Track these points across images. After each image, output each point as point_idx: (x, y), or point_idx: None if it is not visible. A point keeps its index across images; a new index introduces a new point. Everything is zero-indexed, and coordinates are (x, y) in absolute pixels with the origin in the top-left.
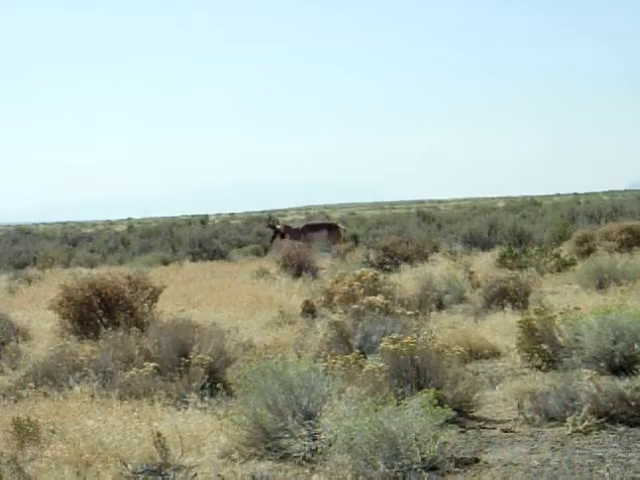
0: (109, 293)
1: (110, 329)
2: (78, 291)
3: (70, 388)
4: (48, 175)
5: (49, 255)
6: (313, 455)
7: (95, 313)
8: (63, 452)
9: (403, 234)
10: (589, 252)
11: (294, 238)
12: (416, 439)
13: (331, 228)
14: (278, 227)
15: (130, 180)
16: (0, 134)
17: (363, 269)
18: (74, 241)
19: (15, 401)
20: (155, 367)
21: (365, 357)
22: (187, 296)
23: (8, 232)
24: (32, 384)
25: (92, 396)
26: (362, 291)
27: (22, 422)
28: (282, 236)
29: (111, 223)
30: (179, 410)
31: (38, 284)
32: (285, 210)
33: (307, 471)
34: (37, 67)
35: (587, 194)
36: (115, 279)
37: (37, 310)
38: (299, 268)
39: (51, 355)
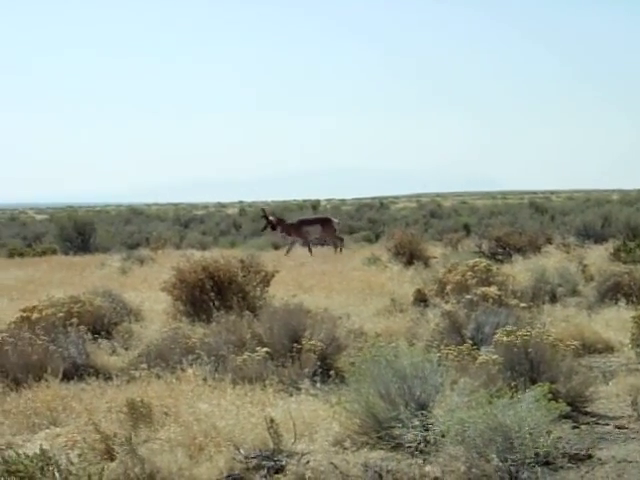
0: (222, 276)
1: (222, 312)
2: (191, 273)
3: (183, 370)
4: (160, 156)
5: (161, 236)
6: (425, 446)
7: (207, 296)
8: (176, 435)
9: (515, 225)
10: None
11: (285, 231)
12: (530, 433)
13: (324, 222)
14: (270, 218)
15: (242, 162)
16: (117, 117)
17: (476, 259)
18: (186, 223)
19: (128, 382)
20: (267, 352)
21: (478, 348)
22: (298, 281)
23: (121, 212)
24: (145, 365)
25: (205, 379)
26: (475, 281)
27: (136, 403)
28: (273, 228)
29: (222, 205)
30: (291, 396)
31: (150, 265)
32: (396, 197)
33: (420, 462)
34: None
35: None
36: (228, 262)
37: (149, 291)
38: (411, 256)
39: (164, 337)
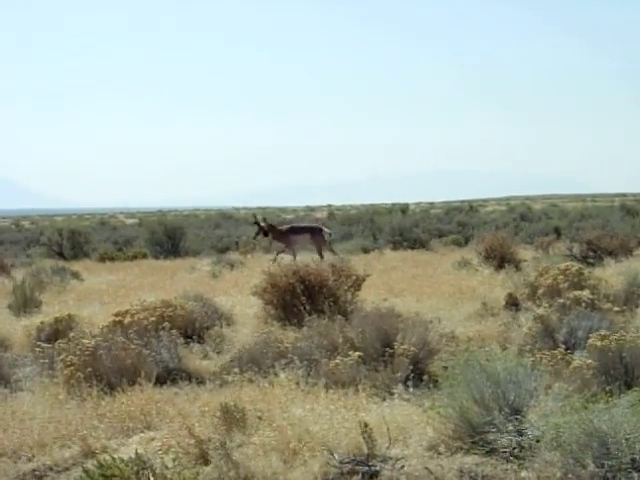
0: (313, 280)
1: (313, 316)
2: (282, 278)
3: (275, 375)
4: (248, 161)
5: (250, 240)
6: (520, 451)
7: (298, 300)
8: (270, 439)
9: (606, 228)
10: None
11: (276, 238)
12: (626, 439)
13: (314, 231)
14: (262, 225)
15: (330, 167)
16: (206, 122)
17: (567, 263)
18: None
19: (220, 386)
20: (359, 356)
21: (571, 353)
22: (389, 285)
23: (210, 216)
24: (237, 369)
25: (297, 384)
26: (567, 285)
27: (229, 408)
28: (265, 234)
29: (311, 209)
30: (384, 400)
31: (240, 269)
32: (485, 200)
33: (515, 467)
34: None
35: None
36: (319, 267)
37: (240, 295)
38: (501, 259)
39: (256, 341)
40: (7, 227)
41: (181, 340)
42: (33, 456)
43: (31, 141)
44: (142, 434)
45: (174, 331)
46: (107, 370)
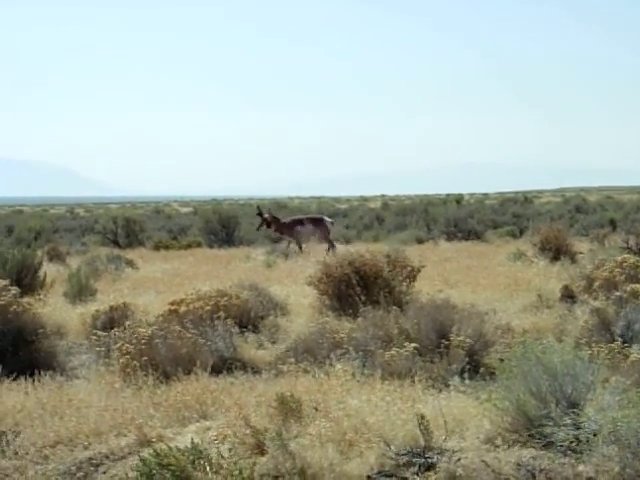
0: (368, 271)
1: (368, 307)
2: (337, 268)
3: (331, 365)
4: (303, 151)
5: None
6: (577, 445)
7: (353, 290)
8: (326, 430)
9: None
10: None
11: (278, 230)
12: None
13: (317, 222)
14: (265, 216)
15: (383, 156)
16: (261, 112)
17: (624, 255)
18: (329, 216)
19: (276, 375)
20: (415, 347)
21: (629, 346)
22: (443, 276)
23: (264, 206)
24: (292, 359)
25: (353, 374)
26: (623, 278)
27: (285, 398)
28: (268, 225)
29: (365, 199)
30: (440, 392)
31: (294, 259)
32: (539, 192)
33: (572, 461)
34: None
35: None
36: (374, 257)
37: (294, 285)
38: (557, 251)
39: (311, 331)
40: (62, 215)
41: (236, 329)
42: (89, 444)
43: (86, 129)
44: (198, 423)
45: (229, 320)
46: (163, 359)
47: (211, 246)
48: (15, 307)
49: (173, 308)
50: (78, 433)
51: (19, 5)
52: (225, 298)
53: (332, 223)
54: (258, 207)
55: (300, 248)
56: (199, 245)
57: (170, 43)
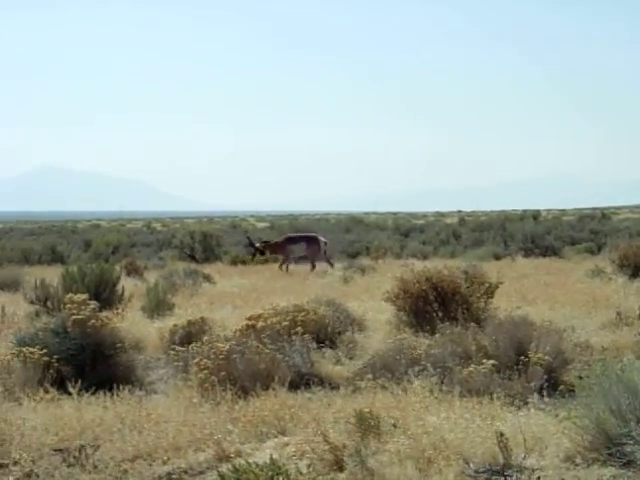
0: (445, 287)
1: (446, 323)
2: (414, 284)
3: (409, 382)
4: (379, 166)
5: (382, 245)
6: None
7: (431, 307)
8: (405, 447)
9: None
10: None
11: (274, 252)
12: None
13: (310, 240)
14: (257, 245)
15: (459, 172)
16: (336, 125)
17: None
18: (406, 232)
19: (353, 391)
20: (493, 364)
21: None
22: (521, 292)
23: (340, 221)
24: (370, 376)
25: (431, 391)
26: None
27: (364, 414)
28: (262, 253)
29: (441, 215)
30: (519, 409)
31: (371, 274)
32: (617, 208)
33: None
34: None
35: None
36: (451, 273)
37: (371, 301)
38: (636, 268)
39: (389, 347)
40: (139, 229)
41: (313, 345)
42: (168, 459)
43: (163, 143)
44: (276, 439)
45: (307, 336)
46: (241, 374)
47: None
48: (94, 321)
49: (251, 323)
50: (157, 448)
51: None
52: (302, 313)
53: (325, 243)
54: (248, 237)
55: (286, 267)
56: (276, 260)
57: (248, 55)
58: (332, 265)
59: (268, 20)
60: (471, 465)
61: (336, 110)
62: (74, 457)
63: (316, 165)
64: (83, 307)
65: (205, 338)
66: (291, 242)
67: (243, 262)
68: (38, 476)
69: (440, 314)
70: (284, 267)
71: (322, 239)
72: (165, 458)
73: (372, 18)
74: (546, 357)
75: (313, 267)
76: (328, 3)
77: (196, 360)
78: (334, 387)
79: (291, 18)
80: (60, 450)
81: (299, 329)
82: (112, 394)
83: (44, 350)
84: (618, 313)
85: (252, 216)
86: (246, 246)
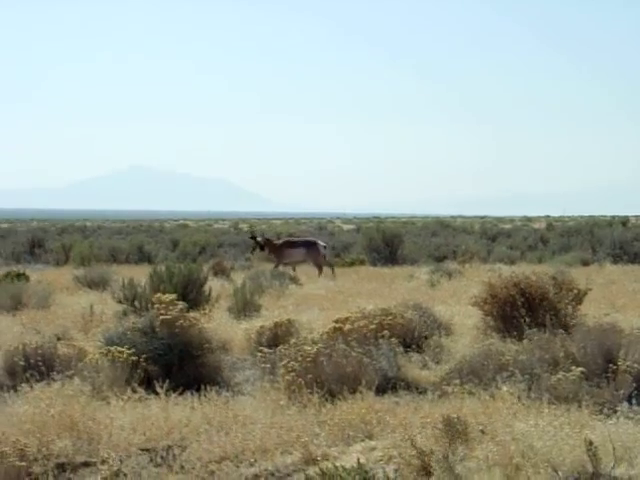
0: (533, 293)
1: (533, 329)
2: (502, 289)
3: (497, 388)
4: (465, 169)
5: (469, 249)
6: None
7: (518, 312)
8: (493, 454)
9: None
10: None
11: (272, 252)
12: None
13: (309, 245)
14: (258, 239)
15: (548, 177)
16: (424, 131)
17: None
18: (493, 236)
19: (440, 396)
20: (582, 372)
21: None
22: (609, 299)
23: (427, 224)
24: (457, 381)
25: (519, 397)
26: None
27: (452, 420)
28: (262, 248)
29: (528, 219)
30: (608, 418)
31: (458, 279)
32: None
33: None
34: None
35: None
36: (539, 279)
37: (458, 305)
38: None
39: (476, 352)
40: (226, 229)
41: (400, 349)
42: (255, 461)
43: (251, 143)
44: (363, 443)
45: (393, 339)
46: (328, 377)
47: (374, 264)
48: (182, 321)
49: (338, 326)
50: (244, 449)
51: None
52: (389, 317)
53: (325, 247)
54: (251, 231)
55: (276, 268)
56: (362, 263)
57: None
58: (320, 271)
59: (353, 22)
60: (560, 473)
61: (428, 111)
62: (161, 457)
63: (403, 167)
64: (171, 307)
65: (292, 340)
66: (290, 246)
67: (330, 264)
68: (126, 475)
69: (528, 320)
70: (279, 268)
71: (321, 243)
72: (252, 460)
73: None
74: (635, 365)
75: (320, 271)
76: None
77: (283, 362)
78: (421, 392)
79: (384, 28)
80: (147, 450)
81: (386, 333)
82: (199, 395)
83: (132, 350)
84: None
85: (338, 218)
86: (249, 239)
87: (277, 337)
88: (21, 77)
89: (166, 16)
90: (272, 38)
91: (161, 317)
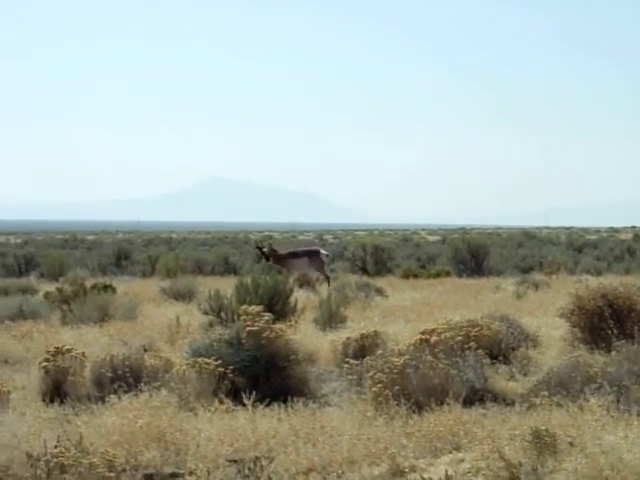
0: (621, 304)
1: (622, 341)
2: (589, 300)
3: (585, 400)
4: (551, 179)
5: (555, 261)
6: None
7: (606, 324)
8: (582, 466)
9: None
10: None
11: (277, 262)
12: None
13: (312, 255)
14: (264, 250)
15: (632, 184)
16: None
17: None
18: (579, 247)
19: (528, 408)
20: None
21: None
22: None
23: (512, 235)
24: (545, 392)
25: (607, 410)
26: None
27: (540, 432)
28: (267, 259)
29: (615, 230)
30: None
31: (545, 290)
32: None
33: None
34: None
35: None
36: (627, 290)
37: (545, 317)
38: None
39: (564, 364)
40: (311, 241)
41: (487, 360)
42: (342, 472)
43: (335, 156)
44: (451, 455)
45: (480, 351)
46: (415, 389)
47: (460, 275)
48: (268, 333)
49: (424, 337)
50: (331, 461)
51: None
52: (476, 328)
53: (327, 255)
54: (257, 242)
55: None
56: (448, 274)
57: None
58: (328, 280)
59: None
60: None
61: (515, 120)
62: (249, 469)
63: (489, 179)
64: (257, 319)
65: (379, 352)
66: (293, 257)
67: (415, 276)
68: None
69: (615, 331)
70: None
71: (324, 252)
72: (339, 472)
73: None
74: None
75: (327, 279)
76: None
77: (370, 374)
78: (508, 403)
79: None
80: (235, 461)
81: (473, 344)
82: (286, 406)
83: (218, 361)
84: None
85: (423, 229)
86: (255, 248)
87: (363, 348)
88: (118, 91)
89: (262, 22)
90: (363, 56)
91: (247, 328)
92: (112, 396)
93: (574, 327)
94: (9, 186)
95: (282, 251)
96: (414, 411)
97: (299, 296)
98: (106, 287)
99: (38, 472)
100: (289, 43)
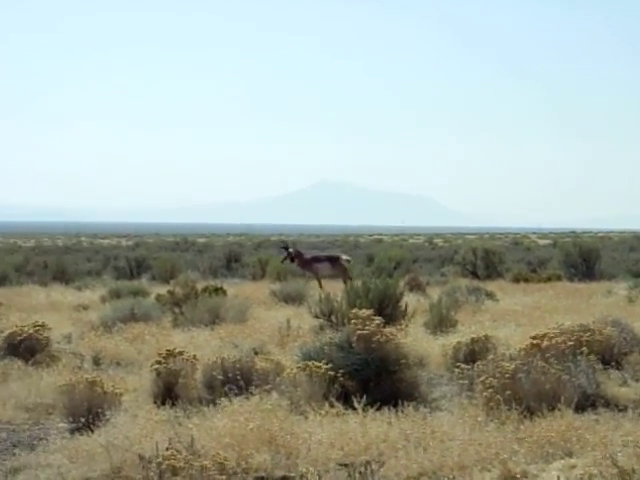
0: None
1: None
2: None
3: None
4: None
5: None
6: None
7: None
8: None
9: None
10: None
11: (300, 265)
12: None
13: (333, 260)
14: (290, 250)
15: None
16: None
17: None
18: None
19: None
20: None
21: None
22: None
23: (624, 239)
24: None
25: None
26: None
27: None
28: (292, 260)
29: None
30: None
31: None
32: None
33: None
34: None
35: None
36: None
37: None
38: None
39: None
40: (421, 244)
41: (599, 366)
42: (453, 477)
43: (440, 157)
44: (563, 461)
45: (592, 356)
46: (526, 394)
47: (571, 279)
48: (378, 337)
49: (535, 342)
50: (442, 466)
51: None
52: (588, 333)
53: (348, 261)
54: (283, 241)
55: (320, 284)
56: (559, 278)
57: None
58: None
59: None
60: None
61: (611, 123)
62: (359, 473)
63: (599, 183)
64: (368, 322)
65: (490, 356)
66: (316, 261)
67: (526, 280)
68: None
69: None
70: (317, 284)
71: (344, 257)
72: (450, 477)
73: None
74: None
75: (346, 283)
76: None
77: (481, 378)
78: (621, 409)
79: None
80: (345, 465)
81: (584, 349)
82: (396, 410)
83: (329, 364)
84: None
85: (534, 233)
86: (280, 248)
87: (474, 353)
88: (230, 94)
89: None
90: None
91: (358, 332)
92: (223, 399)
93: None
94: (123, 190)
95: (307, 255)
96: (525, 416)
97: (409, 300)
98: (217, 290)
99: (150, 474)
100: (412, 42)
